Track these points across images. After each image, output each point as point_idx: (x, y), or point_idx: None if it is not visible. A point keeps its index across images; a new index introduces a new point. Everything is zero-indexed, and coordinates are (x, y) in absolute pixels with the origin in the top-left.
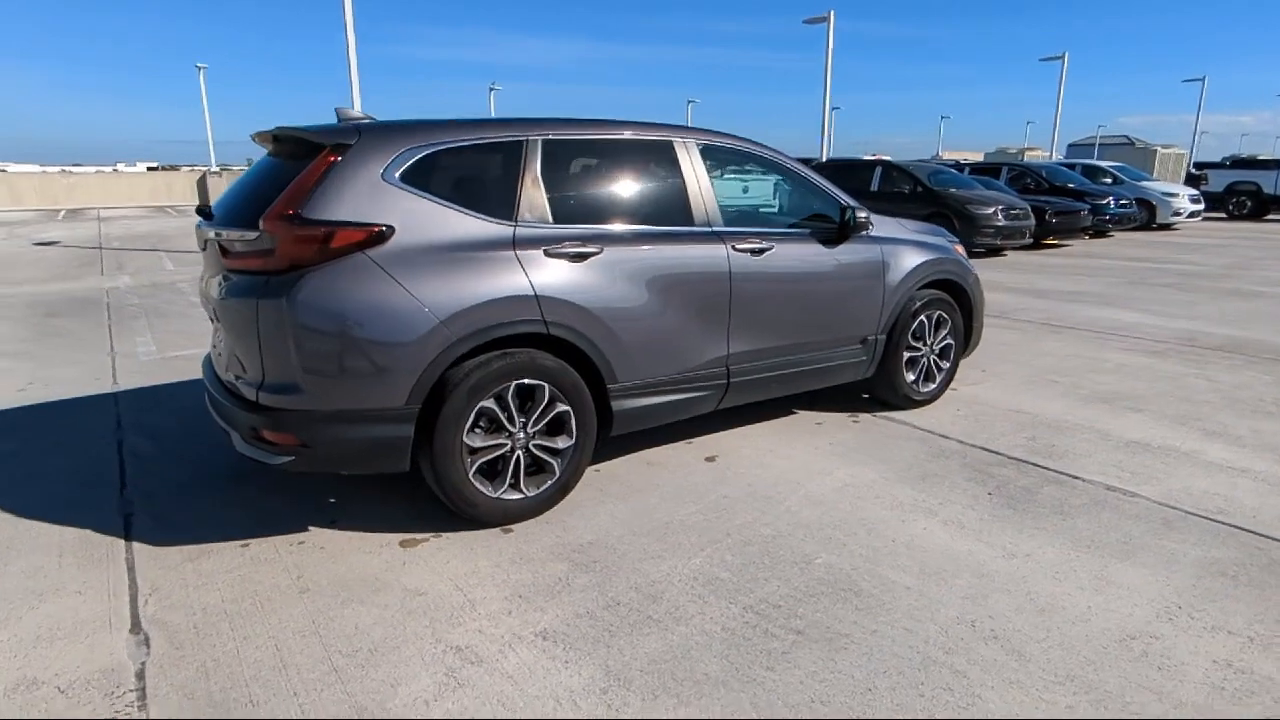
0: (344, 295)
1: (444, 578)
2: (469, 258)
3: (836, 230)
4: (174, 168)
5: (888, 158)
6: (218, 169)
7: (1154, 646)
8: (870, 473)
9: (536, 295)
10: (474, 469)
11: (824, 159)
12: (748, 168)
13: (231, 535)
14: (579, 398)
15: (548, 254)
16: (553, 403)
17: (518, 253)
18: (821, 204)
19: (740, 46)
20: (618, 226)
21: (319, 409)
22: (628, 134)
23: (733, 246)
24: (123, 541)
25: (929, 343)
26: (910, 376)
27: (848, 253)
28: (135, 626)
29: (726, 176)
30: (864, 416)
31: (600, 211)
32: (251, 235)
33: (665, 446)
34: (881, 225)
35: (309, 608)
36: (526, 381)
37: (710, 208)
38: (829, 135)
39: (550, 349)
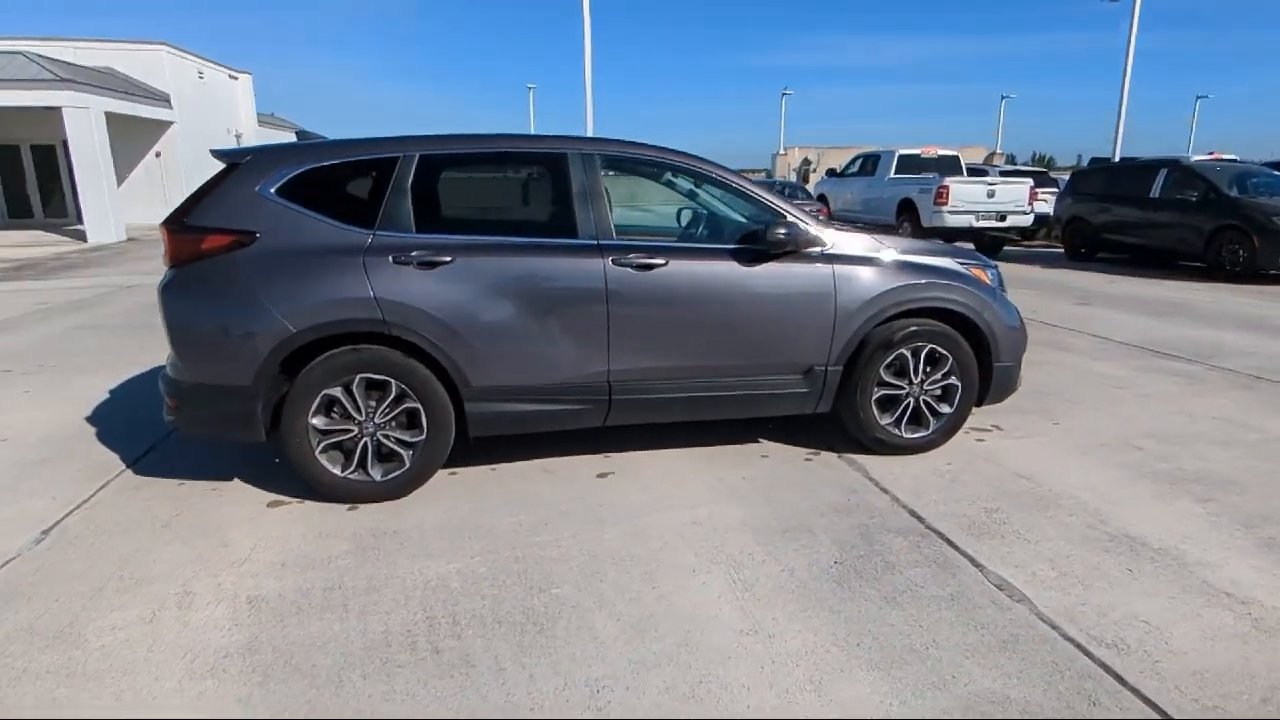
0: (205, 288)
1: (258, 535)
2: (319, 261)
3: (756, 248)
4: None
5: (1230, 157)
6: None
7: None
8: (737, 514)
9: (376, 298)
10: (320, 449)
11: (1115, 159)
12: (677, 180)
13: (176, 475)
14: (430, 395)
15: (395, 260)
16: (402, 398)
17: (365, 259)
18: (758, 220)
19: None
20: (478, 237)
21: (185, 380)
22: (511, 148)
23: (612, 261)
24: (123, 468)
25: (915, 381)
26: (884, 418)
27: (778, 272)
28: (49, 529)
29: (675, 190)
30: (824, 455)
31: (465, 222)
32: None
33: (577, 457)
34: (849, 242)
35: (151, 539)
36: (374, 376)
37: (599, 220)
38: (1120, 131)
39: (401, 349)
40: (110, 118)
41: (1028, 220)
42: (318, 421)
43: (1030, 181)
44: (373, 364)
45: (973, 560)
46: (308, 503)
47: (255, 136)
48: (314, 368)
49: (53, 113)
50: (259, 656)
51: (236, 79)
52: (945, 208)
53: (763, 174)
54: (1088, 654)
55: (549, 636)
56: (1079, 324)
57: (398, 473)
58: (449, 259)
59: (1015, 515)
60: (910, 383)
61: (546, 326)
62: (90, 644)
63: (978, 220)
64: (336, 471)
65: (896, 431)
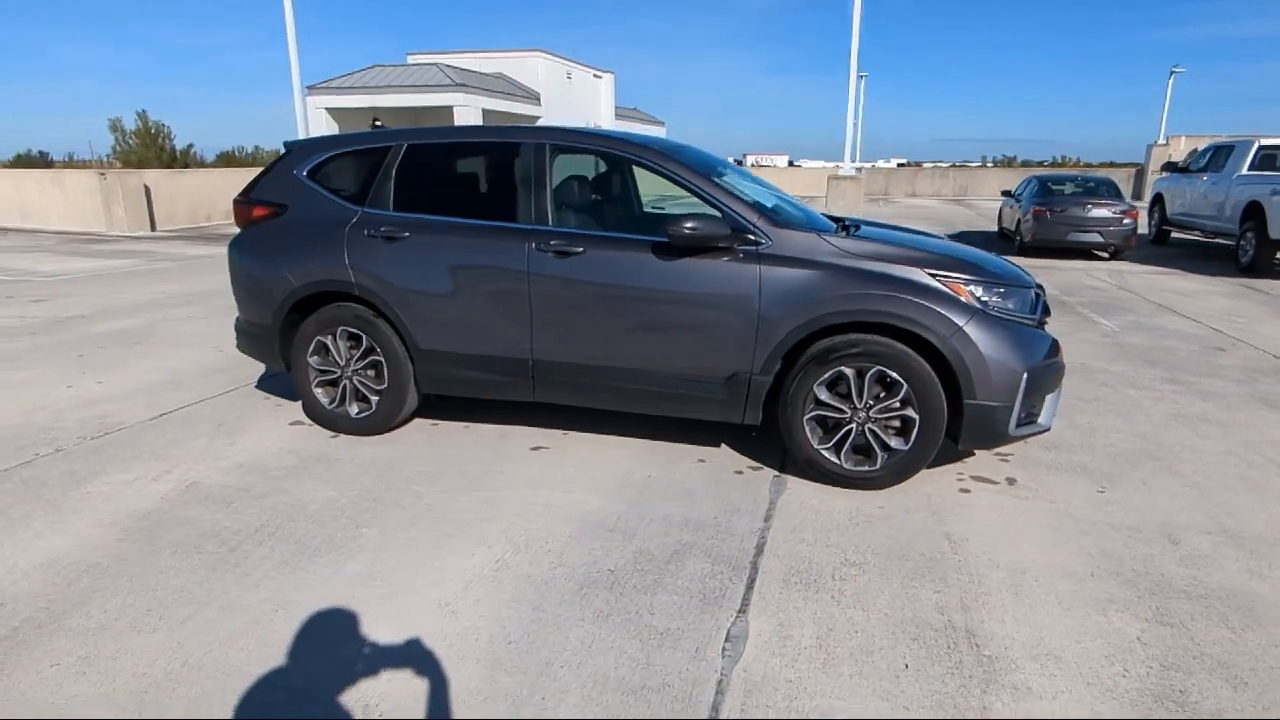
0: (251, 248)
1: (256, 442)
2: (320, 231)
3: (668, 242)
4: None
5: None
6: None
7: None
8: (592, 506)
9: (349, 264)
10: (314, 383)
11: None
12: (635, 169)
13: (275, 393)
14: (390, 351)
15: (367, 234)
16: (371, 351)
17: (348, 230)
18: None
19: None
20: (430, 216)
21: (240, 317)
22: (480, 138)
23: (535, 245)
24: (241, 384)
25: (860, 405)
26: (822, 443)
27: (698, 268)
28: (169, 412)
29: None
30: (764, 472)
31: (426, 203)
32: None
33: (541, 429)
34: (792, 241)
35: (206, 430)
36: (351, 330)
37: (537, 206)
38: None
39: (370, 309)
40: (487, 113)
41: None
42: (314, 361)
43: None
44: (350, 320)
45: (743, 605)
46: (315, 427)
47: (611, 126)
48: (312, 317)
49: (448, 110)
50: (146, 522)
51: (600, 78)
52: None
53: (1131, 170)
54: None
55: (308, 558)
56: None
57: (367, 414)
58: (406, 234)
59: (868, 581)
60: (854, 407)
61: (480, 302)
62: (88, 488)
63: None
64: (326, 403)
65: (835, 460)
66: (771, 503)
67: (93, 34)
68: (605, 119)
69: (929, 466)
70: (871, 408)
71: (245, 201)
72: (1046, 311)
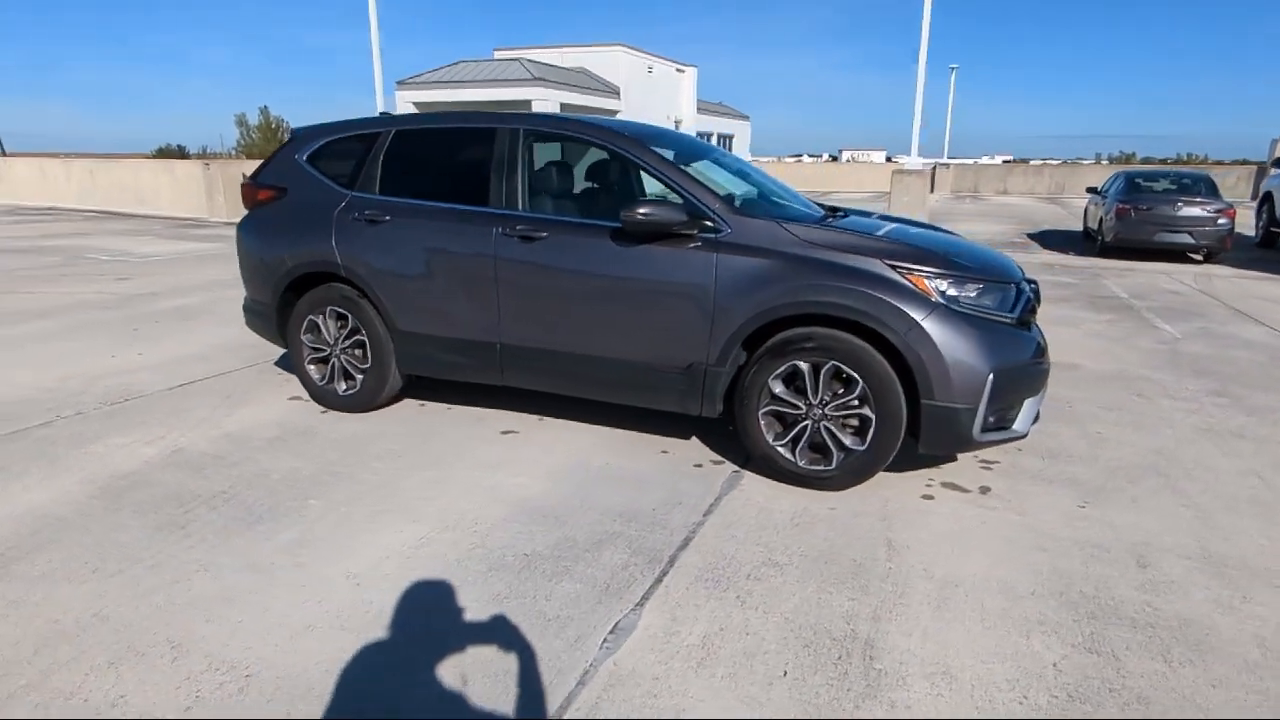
0: (254, 229)
1: (251, 414)
2: (313, 214)
3: (624, 228)
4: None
5: None
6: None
7: None
8: (534, 491)
9: (335, 246)
10: (308, 359)
11: None
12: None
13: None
14: (373, 332)
15: (354, 218)
16: (356, 331)
17: (336, 214)
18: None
19: None
20: (410, 201)
21: (247, 294)
22: (462, 124)
23: (501, 230)
24: (262, 360)
25: (815, 402)
26: (777, 438)
27: (656, 256)
28: (187, 383)
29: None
30: (724, 466)
31: (408, 187)
32: None
33: (517, 413)
34: (753, 230)
35: (213, 399)
36: (338, 309)
37: (509, 191)
38: None
39: (355, 289)
40: (564, 106)
41: None
42: (307, 339)
43: None
44: (337, 300)
45: (643, 599)
46: (310, 403)
47: (692, 121)
48: (305, 297)
49: (526, 104)
50: (123, 482)
51: (683, 72)
52: None
53: (1253, 169)
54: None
55: (249, 525)
56: None
57: (353, 391)
58: (387, 218)
59: (783, 583)
60: (809, 404)
61: (452, 285)
62: (88, 449)
63: None
64: (317, 380)
65: (790, 457)
66: (718, 498)
67: (227, 37)
68: (686, 113)
69: (901, 469)
70: (827, 404)
71: (252, 184)
72: (1029, 309)
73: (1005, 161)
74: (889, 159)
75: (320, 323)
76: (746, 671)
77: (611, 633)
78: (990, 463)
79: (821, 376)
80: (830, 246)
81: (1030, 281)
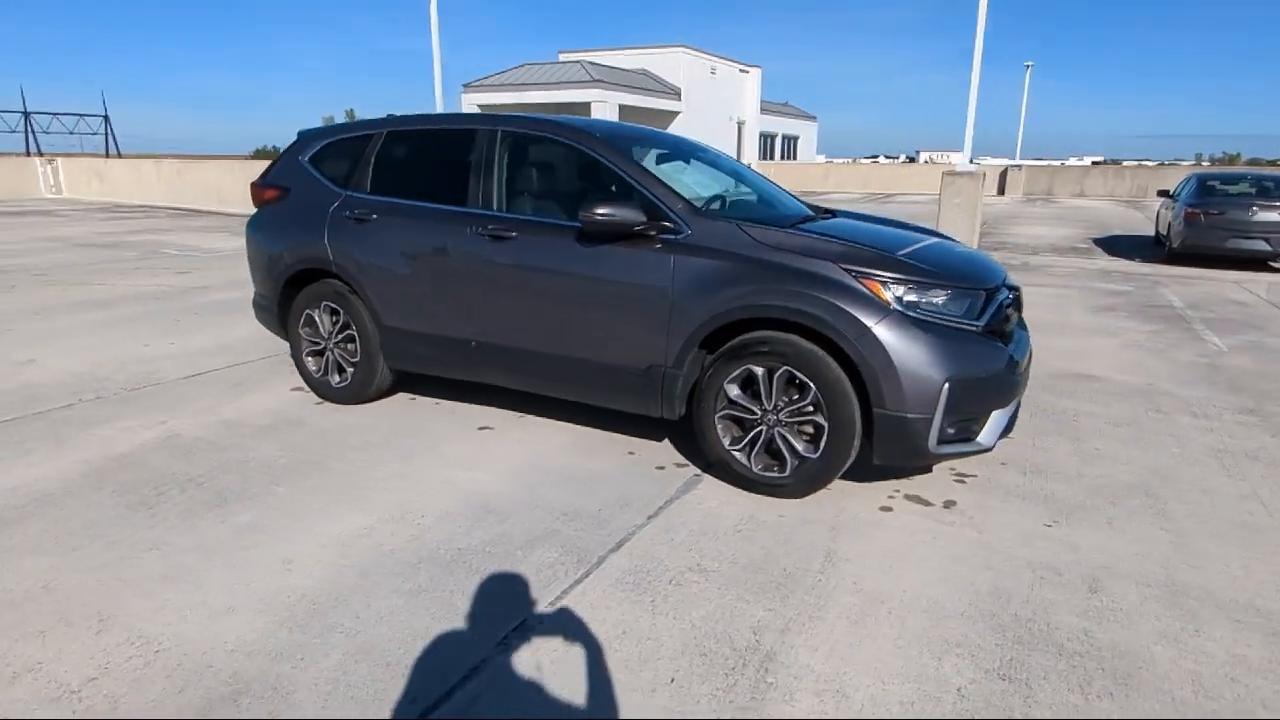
0: (260, 228)
1: (253, 403)
2: (310, 212)
3: (584, 229)
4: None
5: None
6: None
7: None
8: (489, 489)
9: (327, 243)
10: (305, 352)
11: None
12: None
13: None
14: (361, 326)
15: (345, 217)
16: (347, 325)
17: (330, 212)
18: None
19: None
20: (396, 200)
21: (255, 290)
22: (448, 125)
23: (474, 229)
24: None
25: (769, 407)
26: (733, 443)
27: (616, 256)
28: (208, 371)
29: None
30: (688, 470)
31: (394, 187)
32: None
33: (501, 410)
34: (713, 232)
35: (220, 389)
36: (331, 305)
37: (485, 191)
38: None
39: (346, 285)
40: (624, 109)
41: None
42: (304, 332)
43: None
44: (331, 295)
45: (556, 599)
46: (310, 394)
47: (755, 122)
48: (303, 292)
49: (586, 106)
50: (114, 463)
51: (747, 73)
52: None
53: None
54: None
55: (212, 508)
56: None
57: (344, 384)
58: (374, 217)
59: (703, 589)
60: (764, 409)
61: (429, 282)
62: (95, 431)
63: None
64: (314, 372)
65: (745, 462)
66: (669, 501)
67: (320, 43)
68: (749, 114)
69: (868, 479)
70: (781, 410)
71: (260, 184)
72: (1002, 317)
73: (1095, 163)
74: (972, 160)
75: (316, 317)
76: (632, 678)
77: (514, 632)
78: (965, 476)
79: (775, 381)
80: (785, 249)
81: (1012, 288)
